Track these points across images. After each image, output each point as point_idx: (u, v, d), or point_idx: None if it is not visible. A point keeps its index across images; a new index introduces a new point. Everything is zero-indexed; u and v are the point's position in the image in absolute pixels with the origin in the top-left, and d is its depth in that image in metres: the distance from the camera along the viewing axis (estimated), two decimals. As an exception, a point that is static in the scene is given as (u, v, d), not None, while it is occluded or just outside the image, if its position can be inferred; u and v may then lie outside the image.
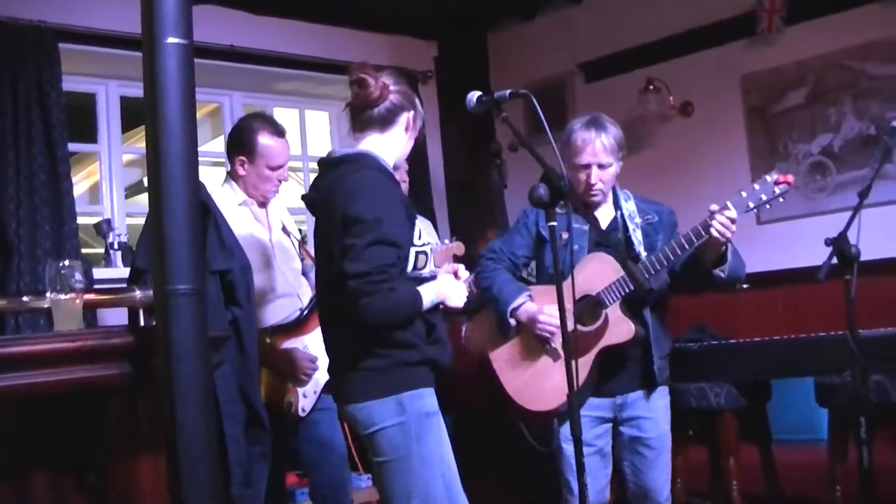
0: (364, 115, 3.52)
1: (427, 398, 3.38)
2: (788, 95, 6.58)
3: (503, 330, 4.30)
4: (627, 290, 4.01)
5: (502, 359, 4.31)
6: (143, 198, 7.93)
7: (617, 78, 7.37)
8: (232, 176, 4.56)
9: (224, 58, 6.79)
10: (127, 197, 7.17)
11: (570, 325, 4.06)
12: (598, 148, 4.11)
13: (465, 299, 3.53)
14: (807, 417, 5.64)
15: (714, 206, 3.90)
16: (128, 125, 6.97)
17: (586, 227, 4.16)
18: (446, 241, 5.07)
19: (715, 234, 3.88)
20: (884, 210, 5.78)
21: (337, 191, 3.40)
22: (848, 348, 3.84)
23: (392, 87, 3.51)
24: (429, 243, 3.49)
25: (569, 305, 4.12)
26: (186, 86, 2.47)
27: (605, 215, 4.26)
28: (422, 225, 3.50)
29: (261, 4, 6.97)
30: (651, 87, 6.97)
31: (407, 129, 3.57)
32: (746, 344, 4.96)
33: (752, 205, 3.95)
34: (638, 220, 4.22)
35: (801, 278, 5.58)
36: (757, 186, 3.95)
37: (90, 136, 6.70)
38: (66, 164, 5.94)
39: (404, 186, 4.61)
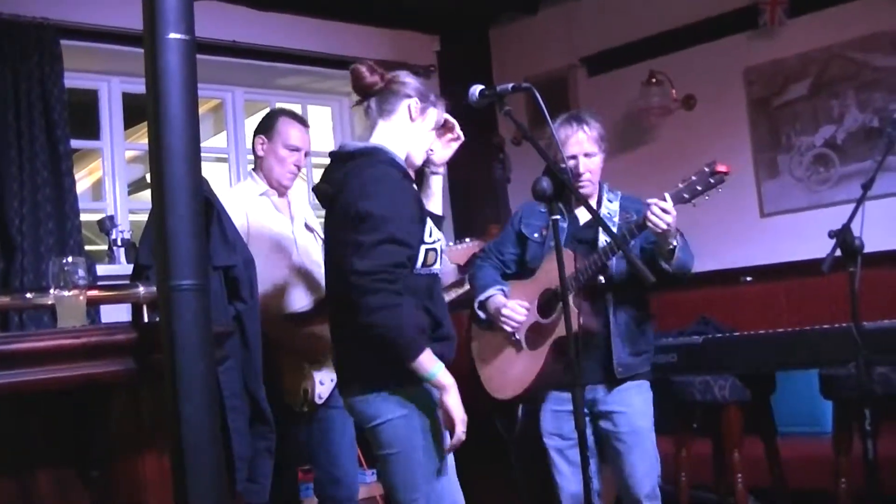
0: (366, 105, 3.55)
1: (430, 391, 3.38)
2: (791, 88, 6.57)
3: (477, 322, 4.47)
4: (584, 278, 4.09)
5: (479, 347, 4.51)
6: (146, 194, 7.94)
7: (619, 71, 7.36)
8: (254, 165, 4.71)
9: (226, 53, 6.78)
10: (130, 193, 7.16)
11: (532, 318, 4.19)
12: (581, 138, 4.25)
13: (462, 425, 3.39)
14: (811, 410, 5.62)
15: (652, 199, 3.98)
16: (130, 121, 6.97)
17: (565, 224, 4.21)
18: (467, 241, 5.11)
19: (650, 225, 3.96)
20: (888, 202, 5.77)
21: (350, 184, 3.40)
22: (852, 340, 3.85)
23: (389, 76, 3.52)
24: (439, 240, 3.49)
25: (531, 299, 4.25)
26: (189, 81, 2.47)
27: (584, 214, 4.31)
28: (431, 223, 3.50)
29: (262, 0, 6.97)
30: (653, 80, 6.96)
31: (412, 118, 3.55)
32: (750, 336, 4.95)
33: (687, 196, 4.00)
34: (617, 219, 4.31)
35: (805, 270, 5.58)
36: (694, 177, 4.01)
37: (93, 132, 6.70)
38: (68, 161, 5.94)
39: None
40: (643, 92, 6.99)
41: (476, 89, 3.51)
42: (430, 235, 3.43)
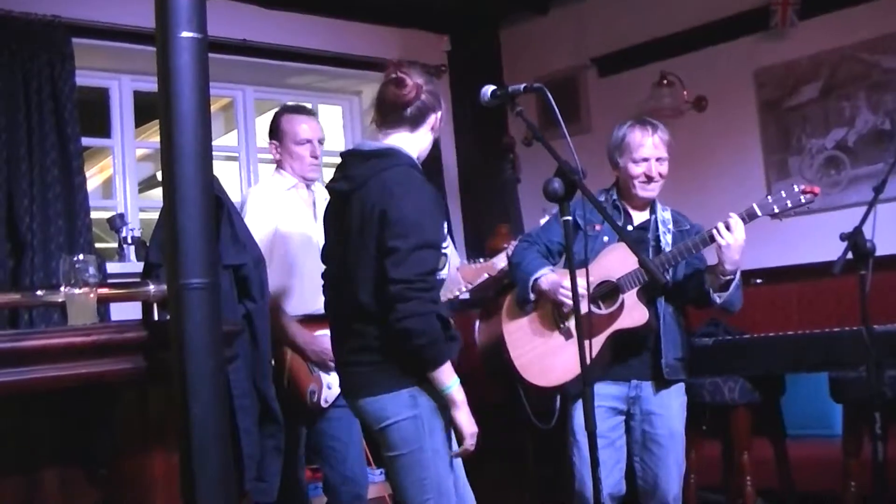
0: (396, 113, 3.53)
1: (437, 391, 3.38)
2: (802, 89, 6.55)
3: (521, 304, 4.42)
4: (645, 280, 4.13)
5: (516, 333, 4.45)
6: (157, 192, 7.96)
7: (630, 72, 7.35)
8: (278, 165, 4.76)
9: (236, 52, 6.79)
10: (140, 191, 7.18)
11: (584, 309, 4.17)
12: (656, 142, 4.35)
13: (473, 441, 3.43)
14: (821, 412, 5.61)
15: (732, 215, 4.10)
16: (141, 119, 6.98)
17: (619, 223, 4.29)
18: (481, 260, 5.12)
19: (715, 235, 4.09)
20: (899, 205, 5.75)
21: (370, 184, 3.40)
22: (863, 343, 3.84)
23: (424, 87, 3.53)
24: (449, 244, 3.50)
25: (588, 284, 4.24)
26: (200, 80, 2.47)
27: (638, 217, 4.40)
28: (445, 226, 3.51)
29: (273, -1, 6.98)
30: (664, 81, 6.95)
31: (433, 129, 3.59)
32: (760, 339, 4.94)
33: (777, 209, 4.15)
34: (671, 226, 4.40)
35: (816, 273, 5.57)
36: (784, 193, 4.09)
37: (103, 130, 6.71)
38: (79, 159, 5.95)
39: None
40: (654, 93, 6.98)
41: (488, 89, 3.50)
42: (445, 240, 3.43)
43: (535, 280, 4.33)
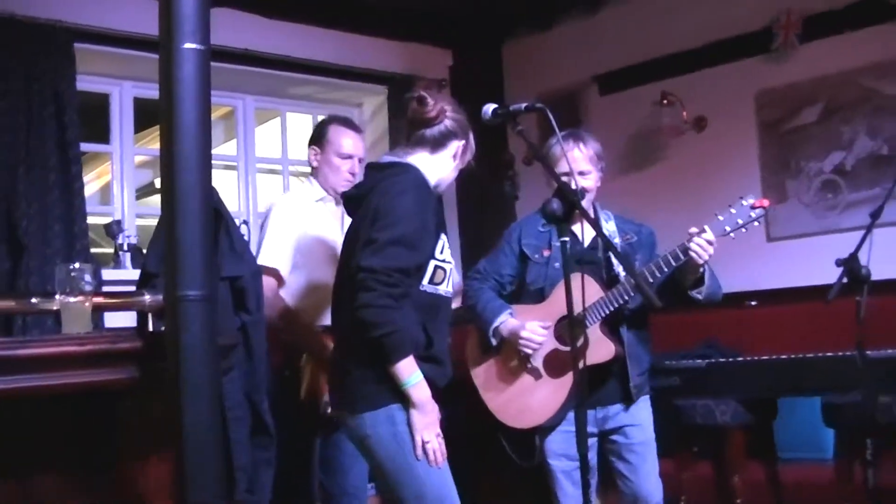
0: (417, 132, 3.55)
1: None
2: (802, 112, 6.56)
3: (485, 347, 4.39)
4: (609, 311, 4.10)
5: (484, 376, 4.42)
6: (154, 199, 7.95)
7: (631, 91, 7.35)
8: (312, 172, 4.72)
9: (238, 61, 6.78)
10: (138, 198, 7.17)
11: (551, 345, 4.15)
12: (576, 156, 4.27)
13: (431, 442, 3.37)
14: (813, 436, 5.61)
15: (693, 229, 4.00)
16: (140, 126, 6.97)
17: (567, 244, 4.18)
18: None
19: (693, 255, 3.99)
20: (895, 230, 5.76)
21: (377, 189, 3.44)
22: (856, 369, 3.84)
23: (448, 113, 3.55)
24: (451, 262, 3.49)
25: (549, 324, 4.20)
26: (202, 91, 2.48)
27: (587, 234, 4.30)
28: (445, 240, 3.50)
29: (276, 8, 6.97)
30: (665, 100, 6.96)
31: (455, 157, 3.61)
32: (754, 361, 4.95)
33: (728, 228, 4.02)
34: (618, 240, 4.33)
35: (811, 296, 5.56)
36: (733, 210, 4.02)
37: (102, 136, 6.70)
38: (78, 164, 5.94)
39: None
40: (654, 112, 6.99)
41: (489, 108, 3.51)
42: (442, 252, 3.43)
43: (496, 328, 4.31)
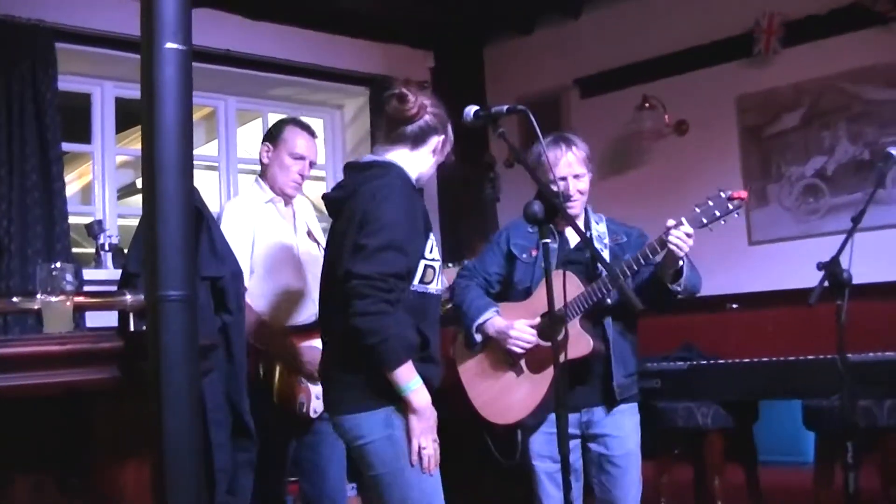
0: (398, 129, 3.52)
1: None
2: (783, 117, 6.59)
3: (469, 344, 4.37)
4: (587, 306, 4.08)
5: (470, 373, 4.40)
6: (135, 199, 7.93)
7: (612, 94, 7.38)
8: (260, 173, 4.69)
9: (220, 62, 6.79)
10: (119, 198, 7.16)
11: (534, 341, 4.15)
12: (570, 160, 4.23)
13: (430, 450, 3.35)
14: (793, 440, 5.64)
15: (671, 222, 3.97)
16: (121, 126, 6.96)
17: (555, 245, 4.19)
18: (449, 265, 5.12)
19: (672, 248, 3.95)
20: (876, 234, 5.76)
21: (360, 192, 3.40)
22: (837, 372, 3.85)
23: (429, 108, 3.52)
24: (439, 260, 3.47)
25: (533, 321, 4.20)
26: (184, 92, 2.46)
27: (574, 235, 4.29)
28: (433, 239, 3.49)
29: (258, 10, 6.98)
30: (646, 104, 6.98)
31: (435, 152, 3.58)
32: (735, 364, 4.95)
33: (706, 220, 3.99)
34: (607, 241, 4.31)
35: (792, 299, 5.58)
36: (711, 202, 3.99)
37: (83, 136, 6.69)
38: (59, 164, 5.93)
39: None
40: (636, 116, 7.01)
41: (471, 110, 3.50)
42: (431, 252, 3.42)
43: (479, 325, 4.30)
